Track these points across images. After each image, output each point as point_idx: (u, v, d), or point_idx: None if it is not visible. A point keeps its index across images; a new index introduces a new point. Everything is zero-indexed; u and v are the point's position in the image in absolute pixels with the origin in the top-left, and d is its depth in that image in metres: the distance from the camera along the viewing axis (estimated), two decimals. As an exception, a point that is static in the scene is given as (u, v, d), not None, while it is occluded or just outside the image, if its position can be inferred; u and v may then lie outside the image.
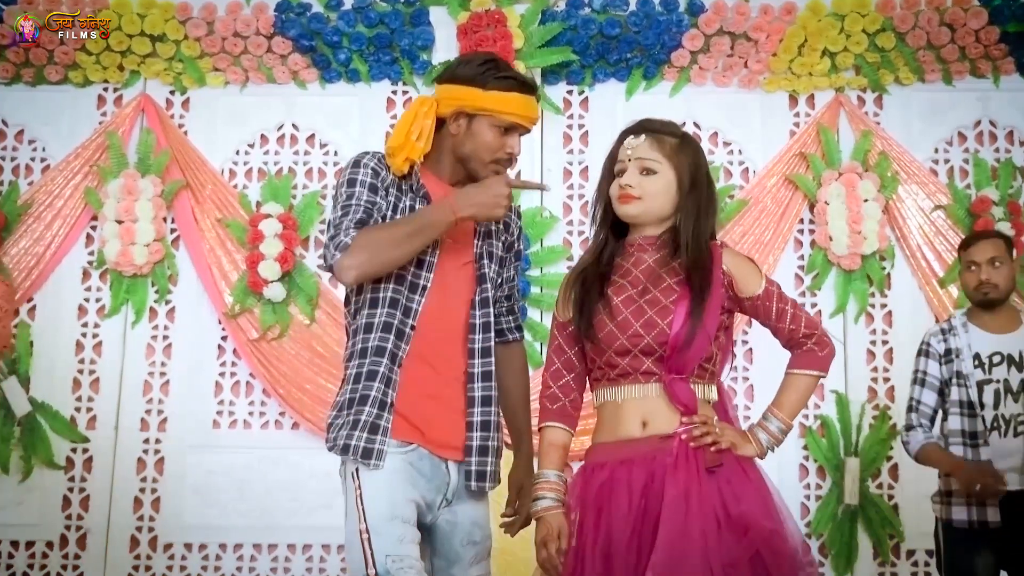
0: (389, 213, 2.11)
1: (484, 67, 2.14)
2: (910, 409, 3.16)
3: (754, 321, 2.17)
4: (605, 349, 2.05)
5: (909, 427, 3.16)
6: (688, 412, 2.00)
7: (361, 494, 2.01)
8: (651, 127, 2.10)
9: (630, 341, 2.03)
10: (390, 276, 2.08)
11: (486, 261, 2.20)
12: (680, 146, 2.08)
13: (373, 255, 2.02)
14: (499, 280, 2.27)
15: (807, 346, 2.12)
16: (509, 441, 2.34)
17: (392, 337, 2.06)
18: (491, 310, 2.19)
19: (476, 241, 2.20)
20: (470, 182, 2.18)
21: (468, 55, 2.31)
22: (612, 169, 2.12)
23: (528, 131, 2.21)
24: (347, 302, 2.22)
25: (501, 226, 2.28)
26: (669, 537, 1.87)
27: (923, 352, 3.18)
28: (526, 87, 2.16)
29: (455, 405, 2.13)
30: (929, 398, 3.15)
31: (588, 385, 2.17)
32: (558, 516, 2.04)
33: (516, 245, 2.35)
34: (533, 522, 2.12)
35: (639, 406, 2.03)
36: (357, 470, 2.03)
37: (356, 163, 2.14)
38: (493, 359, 2.18)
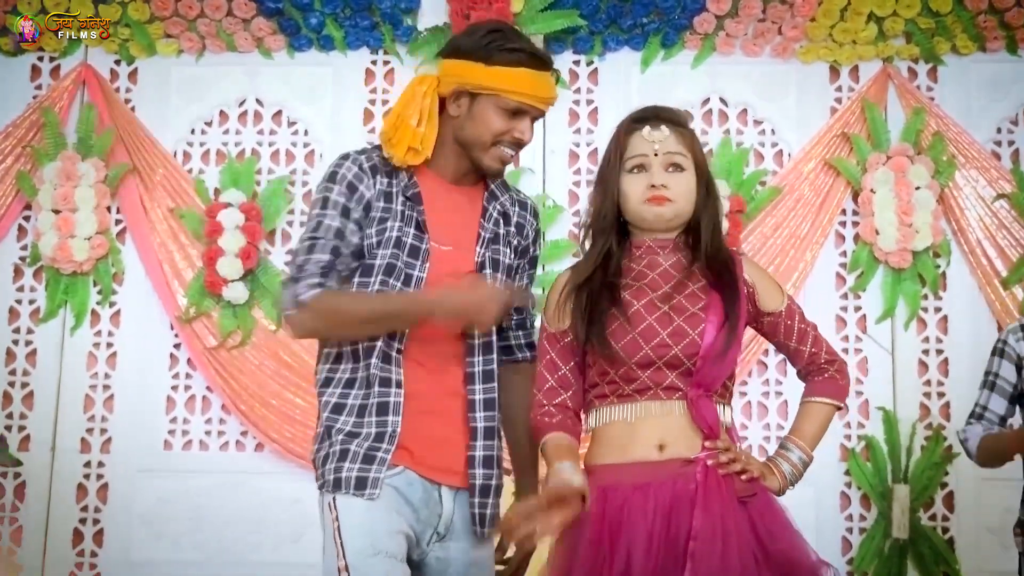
0: (376, 228, 2.07)
1: (488, 38, 2.08)
2: (973, 416, 2.98)
3: None
4: (624, 360, 2.02)
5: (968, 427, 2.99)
6: (711, 434, 2.00)
7: (339, 526, 1.97)
8: (671, 117, 2.11)
9: (655, 352, 2.00)
10: (374, 288, 2.08)
11: (490, 271, 2.14)
12: (694, 137, 2.13)
13: (327, 326, 2.05)
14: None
15: (828, 373, 2.15)
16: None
17: (381, 363, 2.04)
18: (493, 327, 2.14)
19: (479, 248, 2.14)
20: (474, 175, 2.15)
21: (475, 24, 2.22)
22: (621, 164, 2.11)
23: (542, 114, 2.13)
24: None
25: (513, 228, 2.22)
26: (704, 569, 1.86)
27: (997, 351, 3.00)
28: (538, 61, 2.08)
29: (452, 422, 2.10)
30: (998, 405, 2.96)
31: (585, 405, 2.15)
32: (581, 478, 1.96)
33: (532, 250, 2.29)
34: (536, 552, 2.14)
35: (657, 426, 2.01)
36: (334, 499, 2.00)
37: (333, 174, 2.09)
38: (497, 384, 2.13)
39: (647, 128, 2.08)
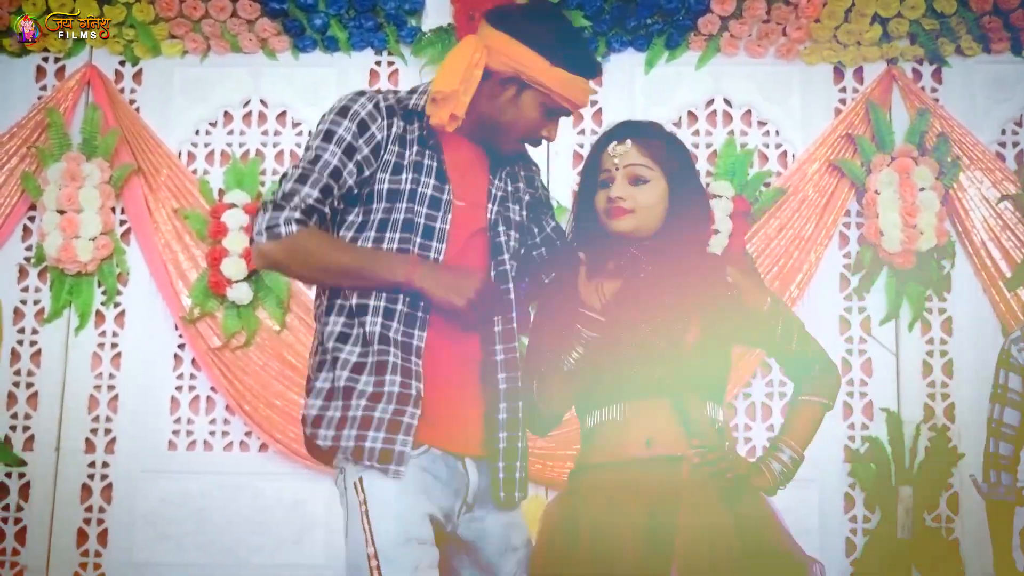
0: (389, 175, 2.00)
1: (555, 35, 2.05)
2: (992, 433, 3.03)
3: None
4: (610, 358, 2.05)
5: (992, 462, 3.01)
6: (697, 433, 2.02)
7: (367, 510, 1.91)
8: (636, 130, 2.13)
9: (640, 348, 2.03)
10: (392, 246, 2.00)
11: (502, 228, 2.12)
12: (668, 148, 2.13)
13: (296, 265, 1.96)
14: (522, 249, 2.19)
15: (816, 371, 2.17)
16: None
17: (401, 326, 1.98)
18: (510, 286, 2.10)
19: (490, 205, 2.12)
20: (490, 145, 2.11)
21: (534, 3, 2.18)
22: (595, 179, 2.13)
23: (570, 116, 2.17)
24: None
25: (523, 183, 2.22)
26: (690, 567, 1.87)
27: (1003, 362, 3.06)
28: (591, 70, 2.10)
29: (468, 392, 2.05)
30: (1013, 418, 3.02)
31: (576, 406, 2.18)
32: None
33: (546, 197, 2.30)
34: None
35: (646, 424, 2.03)
36: (361, 479, 1.93)
37: (345, 109, 2.00)
38: (517, 344, 2.07)
39: (612, 144, 2.11)
